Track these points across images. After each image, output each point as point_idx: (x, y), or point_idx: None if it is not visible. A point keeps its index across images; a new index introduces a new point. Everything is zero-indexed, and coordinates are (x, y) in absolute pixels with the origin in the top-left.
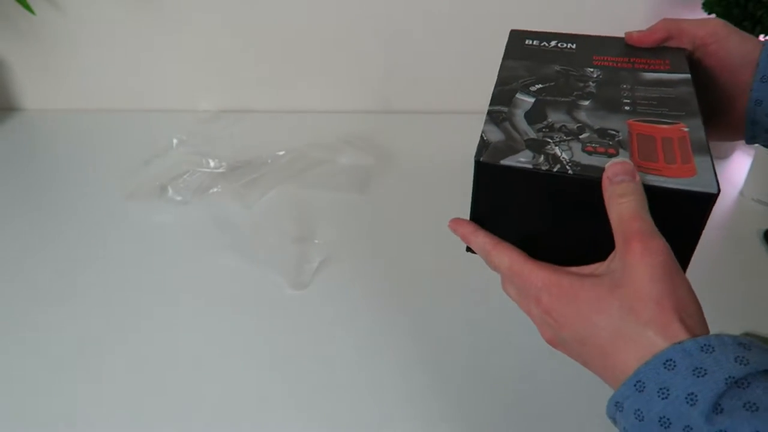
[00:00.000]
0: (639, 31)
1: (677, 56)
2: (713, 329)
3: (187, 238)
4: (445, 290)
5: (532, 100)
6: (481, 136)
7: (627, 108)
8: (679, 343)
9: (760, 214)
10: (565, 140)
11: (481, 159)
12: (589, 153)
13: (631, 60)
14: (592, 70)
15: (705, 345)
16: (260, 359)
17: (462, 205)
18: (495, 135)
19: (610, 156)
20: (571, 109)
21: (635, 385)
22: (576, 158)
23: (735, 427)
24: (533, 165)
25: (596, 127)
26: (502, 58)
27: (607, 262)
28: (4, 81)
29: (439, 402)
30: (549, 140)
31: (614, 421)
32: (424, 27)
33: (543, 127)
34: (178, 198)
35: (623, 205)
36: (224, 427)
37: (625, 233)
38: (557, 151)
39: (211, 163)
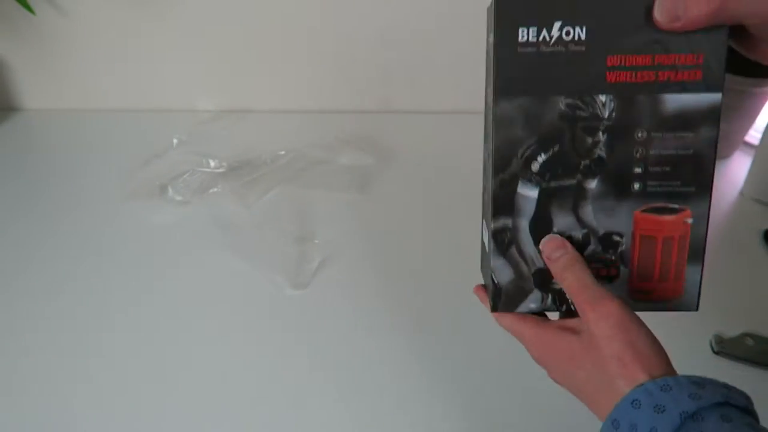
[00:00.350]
0: (670, 17)
1: (715, 45)
2: (714, 329)
3: (187, 238)
4: (445, 289)
5: (535, 193)
6: (492, 279)
7: (636, 186)
8: (641, 385)
9: (760, 214)
10: None
11: (497, 311)
12: None
13: (656, 61)
14: (603, 99)
15: (664, 385)
16: (260, 359)
17: (461, 205)
18: (504, 273)
19: (611, 279)
20: (577, 201)
21: (612, 423)
22: None
23: None
24: (543, 310)
25: (601, 232)
26: (495, 94)
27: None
28: (4, 81)
29: (440, 402)
30: None
31: None
32: (424, 27)
33: None
34: (178, 198)
35: (567, 281)
36: (223, 427)
37: (579, 305)
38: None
39: (211, 163)
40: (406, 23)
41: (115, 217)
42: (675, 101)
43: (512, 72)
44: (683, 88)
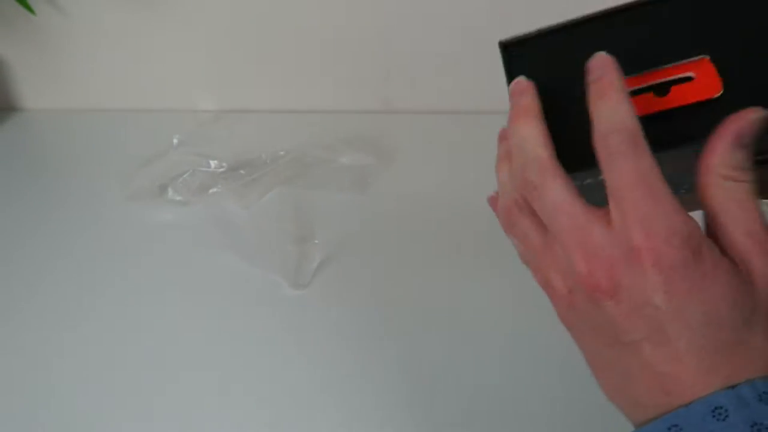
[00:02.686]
0: None
1: None
2: None
3: (187, 238)
4: (446, 290)
5: None
6: None
7: None
8: (733, 387)
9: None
10: None
11: None
12: None
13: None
14: None
15: (764, 393)
16: (259, 359)
17: (462, 205)
18: None
19: None
20: None
21: (668, 430)
22: None
23: None
24: None
25: None
26: None
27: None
28: (4, 81)
29: (441, 404)
30: None
31: None
32: (425, 26)
33: None
34: (178, 198)
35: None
36: (223, 427)
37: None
38: None
39: (211, 163)
40: (407, 23)
41: (115, 217)
42: None
43: None
44: None
